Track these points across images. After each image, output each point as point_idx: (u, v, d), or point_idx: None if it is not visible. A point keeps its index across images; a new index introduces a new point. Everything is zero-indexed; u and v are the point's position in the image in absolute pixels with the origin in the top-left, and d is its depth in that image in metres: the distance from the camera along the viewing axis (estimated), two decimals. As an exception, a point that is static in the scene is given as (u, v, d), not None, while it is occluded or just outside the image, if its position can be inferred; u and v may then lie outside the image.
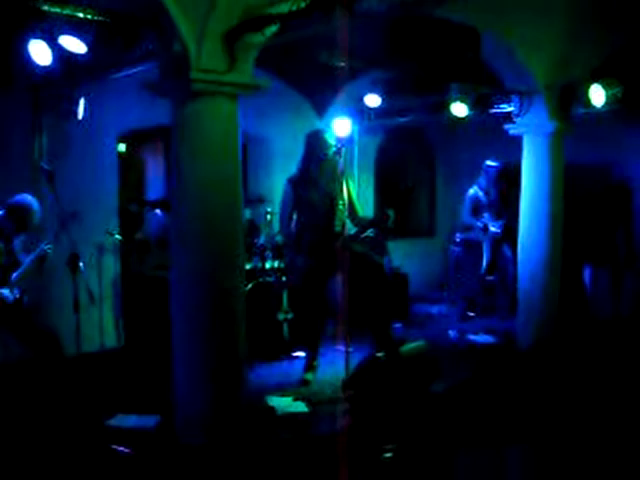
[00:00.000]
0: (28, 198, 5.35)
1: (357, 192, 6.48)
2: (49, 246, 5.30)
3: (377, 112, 8.31)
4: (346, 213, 5.93)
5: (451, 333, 7.88)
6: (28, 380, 5.33)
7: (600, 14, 6.30)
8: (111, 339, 7.21)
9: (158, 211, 7.47)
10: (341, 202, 5.90)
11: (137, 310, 7.06)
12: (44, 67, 5.24)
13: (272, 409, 5.42)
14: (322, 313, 6.20)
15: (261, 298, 6.81)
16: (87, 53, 5.06)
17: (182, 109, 4.50)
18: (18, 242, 5.45)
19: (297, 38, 5.72)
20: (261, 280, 6.89)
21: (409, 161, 10.85)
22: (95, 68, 5.66)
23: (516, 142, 7.12)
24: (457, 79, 7.01)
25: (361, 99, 8.10)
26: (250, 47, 4.52)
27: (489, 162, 8.51)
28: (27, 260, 5.31)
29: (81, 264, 5.41)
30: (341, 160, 5.90)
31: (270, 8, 4.36)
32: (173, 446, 4.66)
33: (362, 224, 6.19)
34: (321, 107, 8.84)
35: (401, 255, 9.04)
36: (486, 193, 8.44)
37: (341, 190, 5.86)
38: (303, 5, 4.03)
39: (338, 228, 5.94)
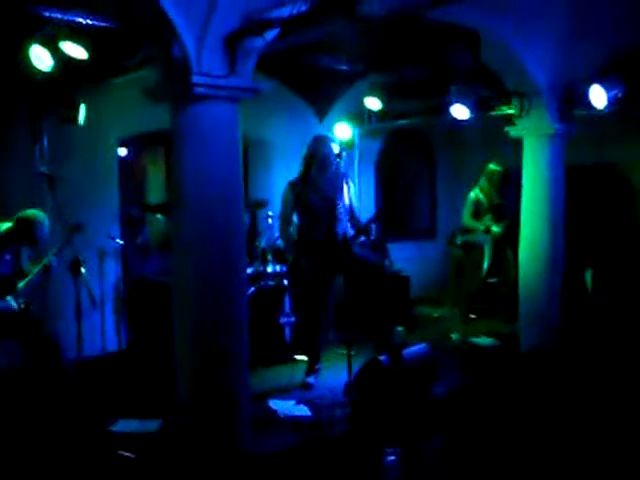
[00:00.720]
0: (40, 214, 5.32)
1: (358, 195, 6.48)
2: (53, 258, 5.32)
3: (378, 115, 8.31)
4: (347, 217, 5.94)
5: (453, 336, 7.87)
6: (31, 386, 5.34)
7: (601, 15, 6.30)
8: (112, 343, 7.22)
9: (159, 215, 7.47)
10: (341, 205, 5.91)
11: (139, 314, 7.06)
12: (45, 72, 5.25)
13: (274, 412, 5.42)
14: (323, 316, 6.20)
15: (263, 302, 6.81)
16: (87, 58, 5.08)
17: (182, 113, 4.49)
18: (24, 251, 5.47)
19: (298, 42, 5.72)
20: (262, 284, 6.89)
21: (410, 164, 10.85)
22: (96, 73, 5.67)
23: (517, 144, 7.12)
24: (457, 81, 7.01)
25: (362, 102, 8.10)
26: (251, 51, 4.51)
27: (490, 164, 8.50)
28: (34, 270, 5.33)
29: (83, 269, 5.42)
30: (342, 163, 5.92)
31: (271, 12, 4.36)
32: (176, 450, 4.65)
33: (359, 227, 6.18)
34: (322, 110, 8.84)
35: (402, 257, 9.03)
36: (487, 195, 8.43)
37: (342, 193, 5.87)
38: (304, 9, 4.03)
39: (339, 231, 5.94)
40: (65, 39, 5.05)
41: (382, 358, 5.32)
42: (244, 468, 4.52)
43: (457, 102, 6.89)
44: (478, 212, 8.42)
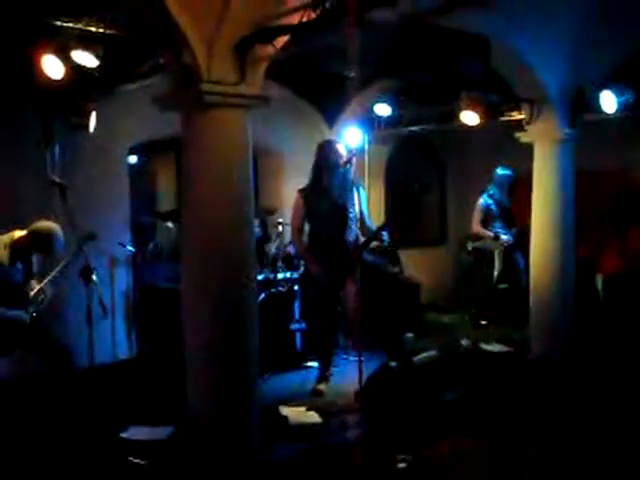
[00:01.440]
0: (54, 227, 5.27)
1: (367, 201, 6.48)
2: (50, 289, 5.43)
3: (387, 121, 8.31)
4: (358, 223, 5.94)
5: (463, 342, 7.85)
6: (44, 393, 5.36)
7: (610, 20, 6.29)
8: (124, 350, 7.23)
9: (169, 223, 7.49)
10: (352, 212, 5.91)
11: (150, 321, 7.07)
12: (56, 80, 5.27)
13: (285, 419, 5.41)
14: (335, 323, 6.20)
15: (273, 309, 6.80)
16: (98, 66, 5.10)
17: (192, 121, 4.51)
18: (36, 260, 5.51)
19: (307, 49, 5.73)
20: (273, 291, 6.89)
21: (420, 170, 10.83)
22: (106, 81, 5.69)
23: (527, 150, 7.11)
24: (467, 87, 7.00)
25: (371, 108, 8.11)
26: (260, 59, 4.52)
27: (500, 170, 8.49)
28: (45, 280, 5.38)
29: (94, 276, 5.43)
30: (352, 169, 5.92)
31: (280, 19, 4.37)
32: (187, 457, 4.65)
33: (368, 234, 6.19)
34: (331, 117, 8.85)
35: (412, 264, 9.02)
36: (497, 202, 8.42)
37: (352, 200, 5.87)
38: (314, 16, 4.04)
39: (350, 238, 5.95)
40: (76, 48, 5.08)
41: (393, 364, 5.31)
42: (254, 475, 4.52)
43: (467, 108, 6.89)
44: (488, 219, 8.41)
